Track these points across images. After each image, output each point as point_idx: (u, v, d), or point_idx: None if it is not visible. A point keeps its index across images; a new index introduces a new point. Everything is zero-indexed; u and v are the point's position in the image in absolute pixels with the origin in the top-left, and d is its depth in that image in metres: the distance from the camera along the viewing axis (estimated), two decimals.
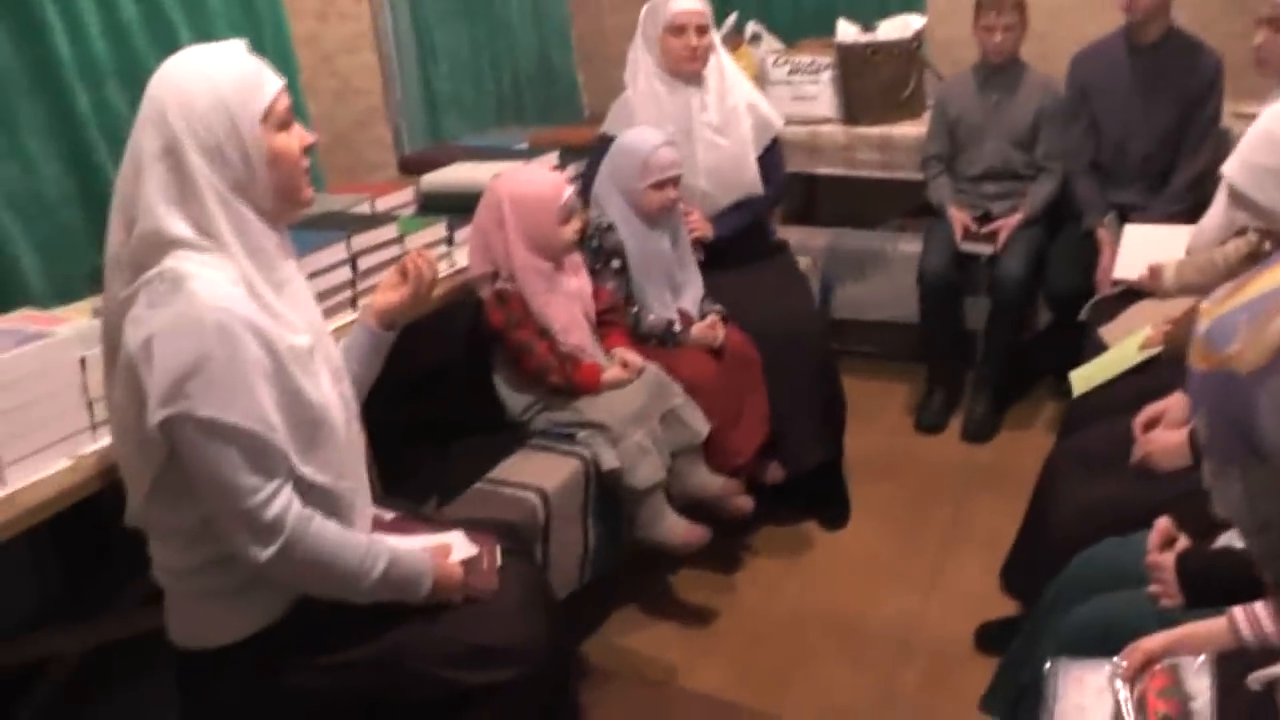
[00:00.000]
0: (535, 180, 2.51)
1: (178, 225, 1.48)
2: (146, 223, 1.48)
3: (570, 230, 2.50)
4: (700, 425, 2.56)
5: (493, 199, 2.48)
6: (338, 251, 2.29)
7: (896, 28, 3.87)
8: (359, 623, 1.64)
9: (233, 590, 1.58)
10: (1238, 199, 1.64)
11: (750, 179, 3.12)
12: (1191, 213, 2.99)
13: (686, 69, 3.02)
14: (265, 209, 1.57)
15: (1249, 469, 0.55)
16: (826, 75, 3.93)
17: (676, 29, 2.98)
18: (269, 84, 1.56)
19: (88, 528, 2.24)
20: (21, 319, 1.88)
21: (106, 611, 2.09)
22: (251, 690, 1.62)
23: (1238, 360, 0.56)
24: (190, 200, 1.49)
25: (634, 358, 2.58)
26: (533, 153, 3.11)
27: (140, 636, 1.92)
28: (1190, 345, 0.62)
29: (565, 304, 2.52)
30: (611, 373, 2.52)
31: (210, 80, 1.51)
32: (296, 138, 1.60)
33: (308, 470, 1.55)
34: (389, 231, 2.44)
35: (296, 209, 1.66)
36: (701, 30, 2.99)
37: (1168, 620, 1.64)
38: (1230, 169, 1.65)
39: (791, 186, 4.01)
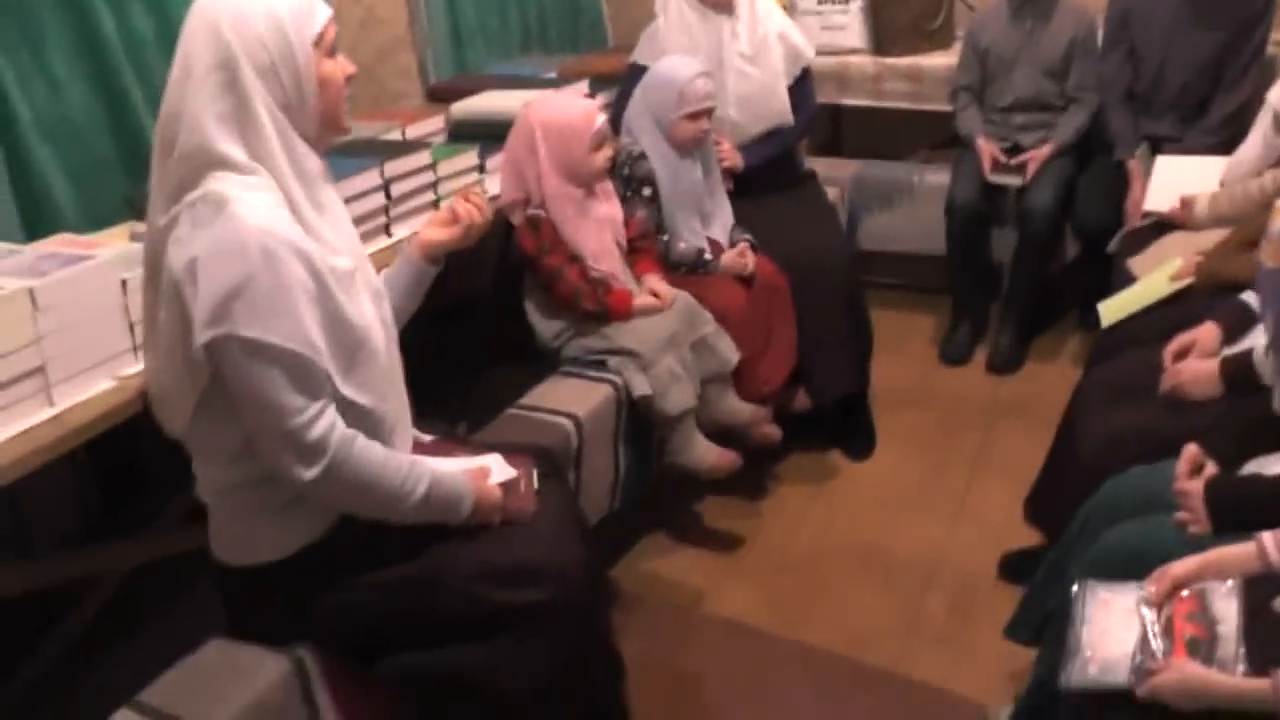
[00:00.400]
0: (567, 108, 2.51)
1: (224, 143, 1.48)
2: (192, 138, 1.48)
3: (602, 157, 2.50)
4: (730, 353, 2.58)
5: (525, 126, 2.48)
6: (372, 178, 2.30)
7: None
8: (398, 542, 1.67)
9: (275, 508, 1.61)
10: None
11: (780, 109, 3.11)
12: (1226, 146, 2.95)
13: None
14: (309, 134, 1.58)
15: None
16: (856, 5, 3.89)
17: None
18: (320, 11, 1.58)
19: (126, 450, 2.29)
20: (60, 242, 1.89)
21: (146, 531, 2.13)
22: (294, 606, 1.65)
23: None
24: (242, 116, 1.49)
25: (664, 287, 2.59)
26: (562, 82, 3.10)
27: (182, 556, 1.96)
28: (1263, 245, 0.62)
29: (596, 230, 2.53)
30: (643, 299, 2.53)
31: (267, 2, 1.51)
32: (341, 67, 1.61)
33: (349, 391, 1.57)
34: (422, 159, 2.44)
35: (337, 136, 1.68)
36: None
37: (1196, 546, 1.66)
38: (1276, 95, 1.63)
39: (819, 117, 3.97)
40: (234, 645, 1.67)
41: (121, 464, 2.32)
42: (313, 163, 1.59)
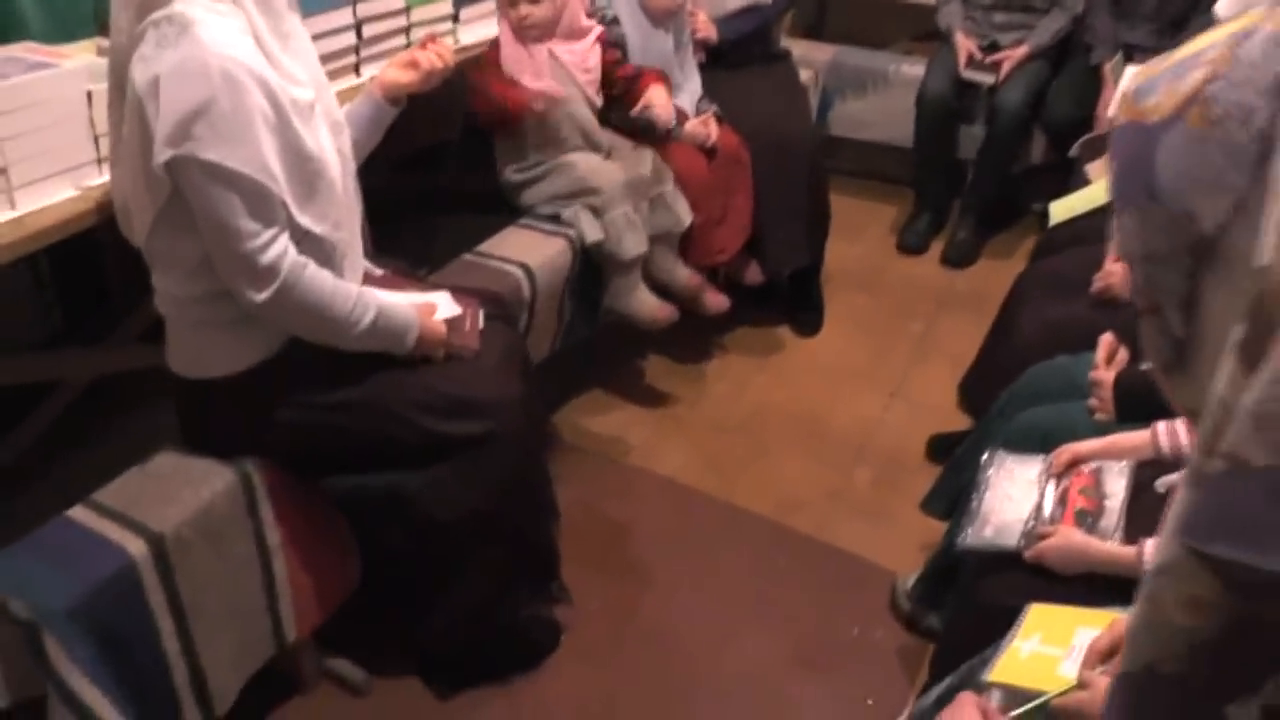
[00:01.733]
0: None
1: None
2: None
3: (513, 14, 2.49)
4: (684, 214, 2.64)
5: None
6: (344, 16, 2.29)
7: None
8: (346, 368, 1.74)
9: (229, 323, 1.67)
10: None
11: None
12: None
13: None
14: None
15: (1144, 208, 0.63)
16: None
17: None
18: None
19: (88, 264, 2.34)
20: (24, 49, 1.89)
21: (107, 342, 2.18)
22: (244, 421, 1.73)
23: (1152, 112, 0.63)
24: None
25: (661, 102, 2.63)
26: None
27: (141, 372, 2.02)
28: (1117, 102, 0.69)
29: (535, 69, 2.55)
30: (536, 88, 2.54)
31: None
32: None
33: (305, 220, 1.62)
34: (395, 2, 2.43)
35: None
36: None
37: (1101, 431, 1.77)
38: (1223, 6, 1.67)
39: (802, 1, 3.97)
40: (185, 455, 1.76)
41: (84, 278, 2.36)
42: None
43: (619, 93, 2.67)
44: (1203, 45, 0.63)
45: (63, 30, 2.32)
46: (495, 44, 2.56)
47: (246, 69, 1.50)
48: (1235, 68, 0.60)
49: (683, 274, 2.69)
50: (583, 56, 2.60)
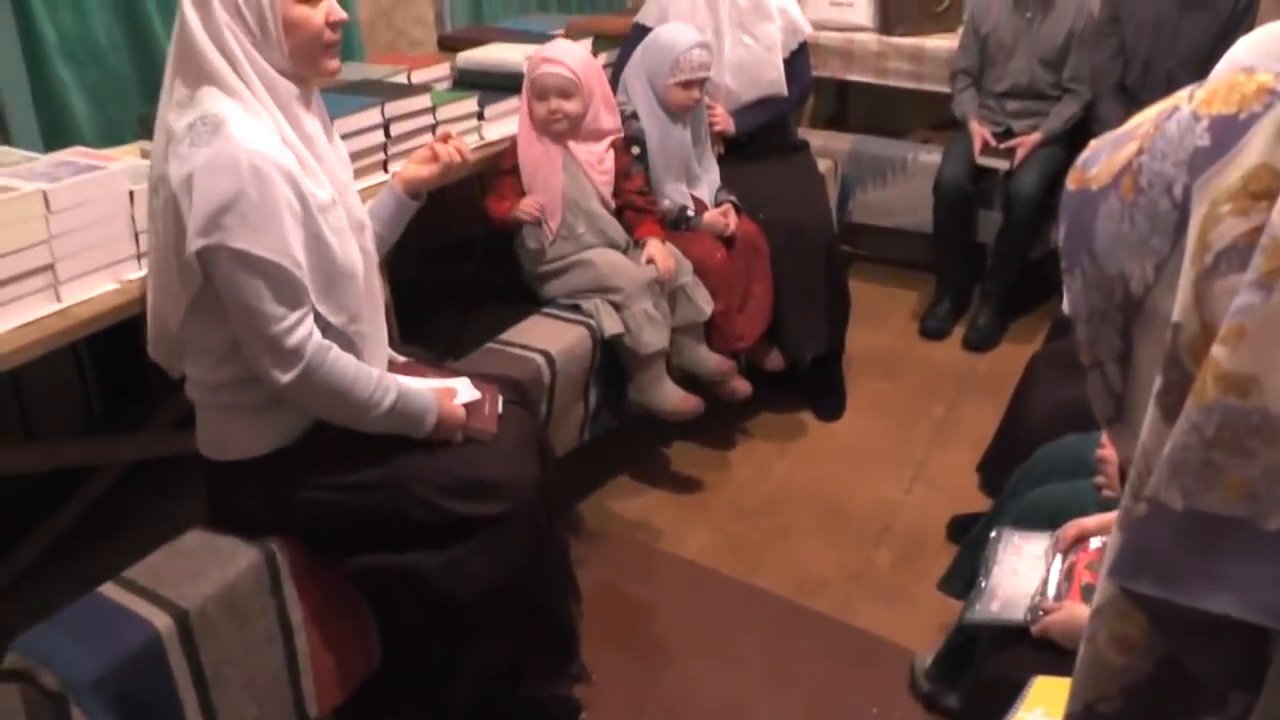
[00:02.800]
0: (536, 52, 2.67)
1: (215, 57, 1.61)
2: (185, 44, 1.62)
3: (542, 107, 2.59)
4: (704, 304, 2.70)
5: None
6: (372, 116, 2.42)
7: None
8: (367, 449, 1.81)
9: (256, 408, 1.75)
10: None
11: (775, 79, 3.20)
12: None
13: None
14: (284, 70, 1.69)
15: (1085, 269, 0.69)
16: None
17: None
18: None
19: (128, 355, 2.44)
20: (76, 153, 2.02)
21: (144, 430, 2.27)
22: (269, 501, 1.80)
23: (1094, 180, 0.69)
24: (220, 43, 1.62)
25: (661, 254, 2.66)
26: (567, 38, 3.19)
27: (175, 458, 2.11)
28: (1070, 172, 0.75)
29: (545, 175, 2.63)
30: (522, 203, 2.62)
31: None
32: (323, 11, 1.69)
33: (325, 310, 1.70)
34: (422, 101, 2.56)
35: (316, 77, 1.75)
36: None
37: (1108, 507, 1.79)
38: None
39: (825, 91, 4.09)
40: (213, 534, 1.82)
41: (121, 366, 2.46)
42: (287, 91, 1.68)
43: (620, 205, 2.75)
44: (1139, 120, 0.70)
45: (111, 134, 2.48)
46: (512, 145, 2.66)
47: (274, 163, 1.60)
48: (1159, 142, 0.66)
49: (712, 360, 2.75)
50: (599, 157, 2.70)
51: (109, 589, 1.71)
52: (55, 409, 2.40)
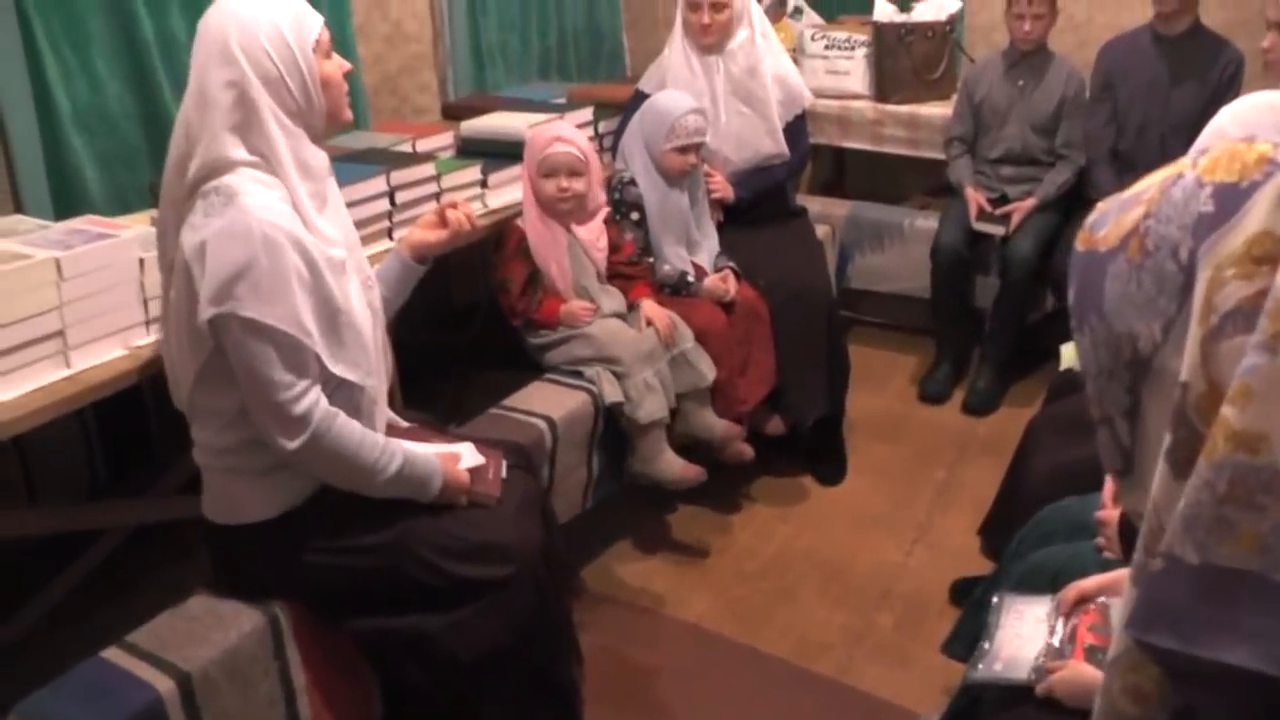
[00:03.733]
0: (540, 131, 2.70)
1: (239, 151, 1.66)
2: (211, 150, 1.66)
3: (550, 184, 2.63)
4: (707, 370, 2.73)
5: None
6: (378, 184, 2.46)
7: (932, 9, 3.98)
8: (371, 514, 1.82)
9: (262, 473, 1.77)
10: None
11: (771, 147, 3.26)
12: None
13: (701, 42, 3.15)
14: (318, 131, 1.76)
15: (1094, 328, 0.71)
16: (861, 52, 4.04)
17: (693, 5, 3.12)
18: (313, 17, 1.75)
19: (133, 420, 2.46)
20: (87, 222, 2.06)
21: (148, 494, 2.28)
22: (274, 565, 1.81)
23: (1102, 242, 0.72)
24: (253, 127, 1.67)
25: (657, 313, 2.71)
26: (569, 107, 3.26)
27: (180, 522, 2.12)
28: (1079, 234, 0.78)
29: (558, 254, 2.67)
30: (569, 307, 2.66)
31: (269, 18, 1.68)
32: (337, 65, 1.79)
33: (339, 369, 1.73)
34: (426, 170, 2.60)
35: (340, 128, 1.87)
36: (717, 7, 3.10)
37: (1109, 568, 1.80)
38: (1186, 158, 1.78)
39: (822, 158, 4.14)
40: (216, 598, 1.83)
41: (127, 430, 2.48)
42: (318, 161, 1.76)
43: (611, 275, 2.80)
44: (1145, 185, 0.73)
45: (122, 202, 2.52)
46: (514, 233, 2.67)
47: (285, 232, 1.64)
48: (1164, 206, 0.69)
49: (720, 425, 2.77)
50: (596, 235, 2.76)
51: (112, 653, 1.71)
52: (59, 472, 2.41)
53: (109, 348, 1.91)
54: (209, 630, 1.74)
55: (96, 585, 2.16)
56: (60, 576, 2.14)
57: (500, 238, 2.68)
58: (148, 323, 1.96)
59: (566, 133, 2.67)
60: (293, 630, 1.81)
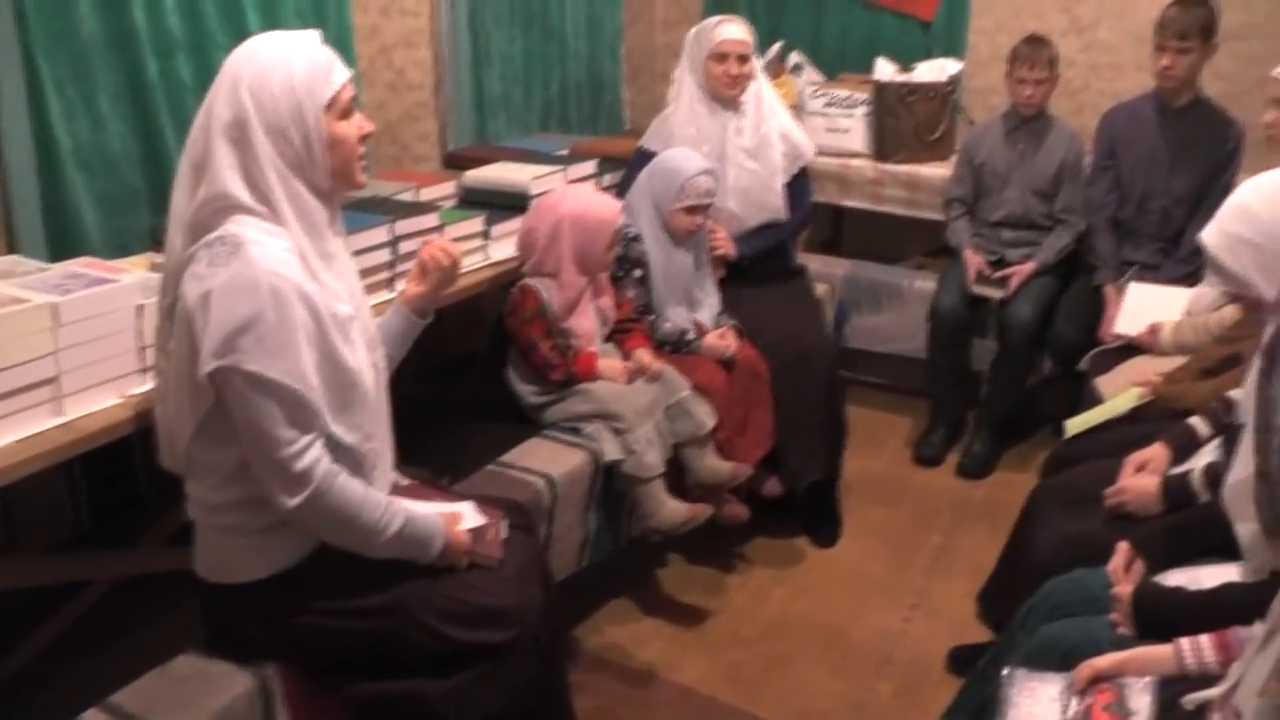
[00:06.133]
0: (597, 205, 2.69)
1: (242, 191, 1.62)
2: (214, 186, 1.62)
3: (613, 254, 2.68)
4: (705, 417, 2.70)
5: (553, 214, 2.66)
6: (381, 234, 2.43)
7: (933, 70, 3.99)
8: (370, 575, 1.77)
9: (259, 531, 1.72)
10: (1211, 262, 1.76)
11: (777, 204, 3.25)
12: (1197, 276, 3.11)
13: (725, 94, 3.15)
14: (321, 188, 1.71)
15: None
16: (861, 110, 4.05)
17: (719, 56, 3.11)
18: (337, 74, 1.70)
19: (121, 469, 2.40)
20: (85, 264, 2.01)
21: (134, 547, 2.22)
22: (268, 626, 1.75)
23: None
24: (253, 170, 1.63)
25: (650, 359, 2.71)
26: (573, 160, 3.24)
27: (167, 575, 2.06)
28: None
29: (589, 316, 2.69)
30: (607, 362, 2.67)
31: (285, 65, 1.64)
32: (355, 126, 1.74)
33: (339, 430, 1.69)
34: (430, 220, 2.57)
35: (350, 189, 1.81)
36: (743, 59, 3.12)
37: (1122, 645, 1.76)
38: (1207, 234, 1.77)
39: (820, 216, 4.13)
40: (206, 659, 1.77)
41: (115, 482, 2.42)
42: (320, 215, 1.71)
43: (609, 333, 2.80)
44: None
45: (120, 244, 2.48)
46: (528, 297, 2.64)
47: (293, 285, 1.60)
48: None
49: (726, 467, 2.73)
50: (610, 296, 2.80)
51: (94, 715, 1.65)
52: (43, 521, 2.34)
53: (104, 395, 1.86)
54: (197, 693, 1.69)
55: (78, 639, 2.09)
56: (41, 629, 2.07)
57: (511, 302, 2.66)
58: (144, 370, 1.91)
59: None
60: (284, 694, 1.75)
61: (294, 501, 1.63)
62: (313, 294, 1.63)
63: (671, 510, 2.59)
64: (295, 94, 1.65)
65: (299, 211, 1.67)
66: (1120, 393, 2.70)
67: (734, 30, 3.12)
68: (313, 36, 1.72)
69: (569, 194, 2.73)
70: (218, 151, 1.63)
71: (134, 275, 1.95)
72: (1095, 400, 2.82)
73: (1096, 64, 4.10)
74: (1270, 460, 0.73)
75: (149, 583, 2.16)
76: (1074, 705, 1.68)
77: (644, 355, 2.72)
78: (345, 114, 1.72)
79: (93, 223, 2.48)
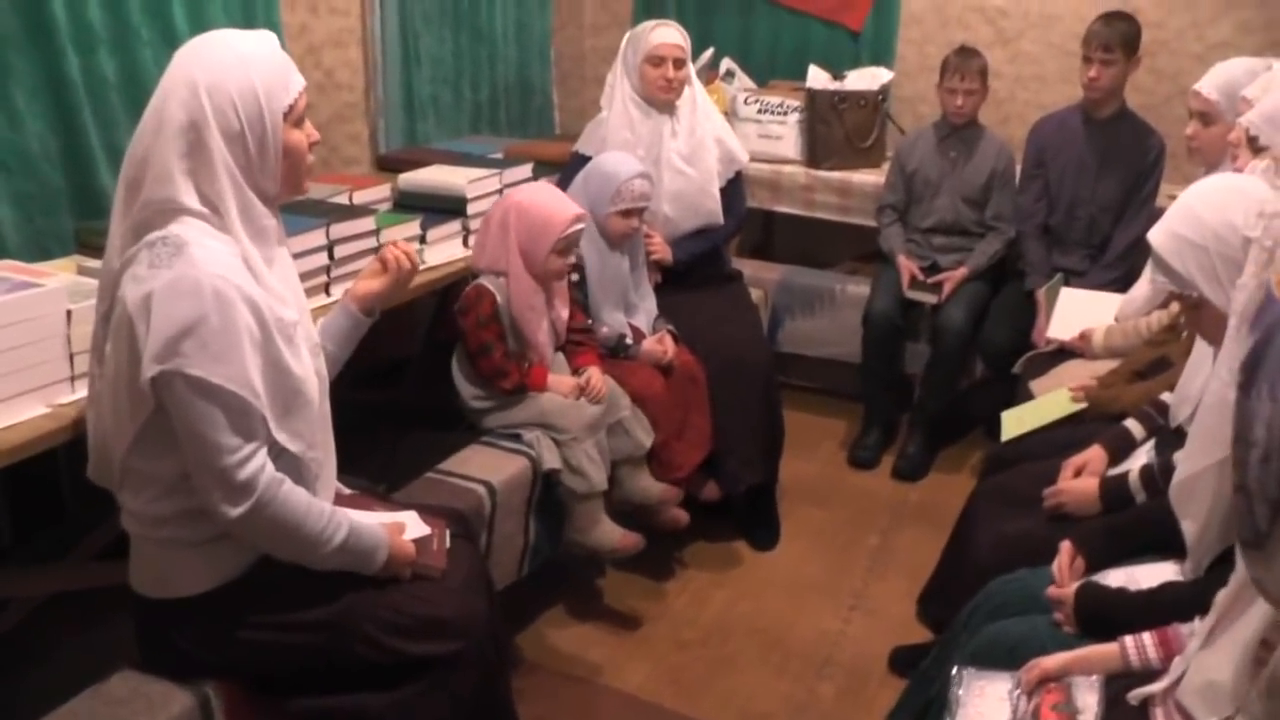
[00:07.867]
0: (550, 203, 2.61)
1: (188, 195, 1.57)
2: (159, 188, 1.57)
3: (559, 262, 2.59)
4: (644, 437, 2.69)
5: (504, 203, 2.62)
6: (317, 237, 2.37)
7: (865, 79, 4.04)
8: (314, 587, 1.72)
9: (199, 542, 1.66)
10: (1158, 262, 1.80)
11: (712, 208, 3.25)
12: (1124, 281, 3.19)
13: (660, 98, 3.14)
14: (269, 194, 1.67)
15: (1275, 396, 0.68)
16: (794, 118, 4.09)
17: (655, 60, 3.10)
18: (294, 82, 1.66)
19: (43, 480, 2.31)
20: (8, 269, 1.93)
21: (62, 561, 2.14)
22: (208, 641, 1.69)
23: None
24: (204, 173, 1.58)
25: (600, 380, 2.66)
26: (507, 163, 3.21)
27: (97, 590, 1.98)
28: (1273, 279, 0.76)
29: (541, 325, 2.63)
30: (557, 377, 2.63)
31: (245, 68, 1.59)
32: (306, 134, 1.70)
33: (282, 437, 1.64)
34: (367, 224, 2.52)
35: (295, 195, 1.77)
36: (679, 63, 3.11)
37: (1066, 644, 1.79)
38: (1155, 235, 1.81)
39: (751, 221, 4.15)
40: (142, 677, 1.71)
41: (38, 493, 2.33)
42: (267, 221, 1.67)
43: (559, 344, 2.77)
44: None
45: (39, 247, 2.39)
46: (484, 298, 2.57)
47: (237, 288, 1.55)
48: None
49: (656, 488, 2.72)
50: (565, 304, 2.74)
51: None
52: None
53: (30, 405, 1.78)
54: (134, 714, 1.62)
55: (4, 658, 2.00)
56: None
57: (466, 302, 2.59)
58: (73, 379, 1.84)
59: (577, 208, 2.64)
60: (225, 711, 1.70)
61: (237, 511, 1.58)
62: (257, 298, 1.58)
63: (606, 531, 2.57)
64: (256, 101, 1.60)
65: (245, 216, 1.62)
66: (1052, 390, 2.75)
67: (670, 35, 3.11)
68: (269, 38, 1.67)
69: (528, 187, 2.70)
70: (168, 153, 1.57)
71: (61, 279, 1.87)
72: (1029, 397, 2.87)
73: (1022, 75, 4.19)
74: (1247, 474, 0.73)
75: (76, 599, 2.09)
76: (1022, 705, 1.69)
77: (595, 376, 2.66)
78: (299, 122, 1.68)
79: (10, 225, 2.39)
